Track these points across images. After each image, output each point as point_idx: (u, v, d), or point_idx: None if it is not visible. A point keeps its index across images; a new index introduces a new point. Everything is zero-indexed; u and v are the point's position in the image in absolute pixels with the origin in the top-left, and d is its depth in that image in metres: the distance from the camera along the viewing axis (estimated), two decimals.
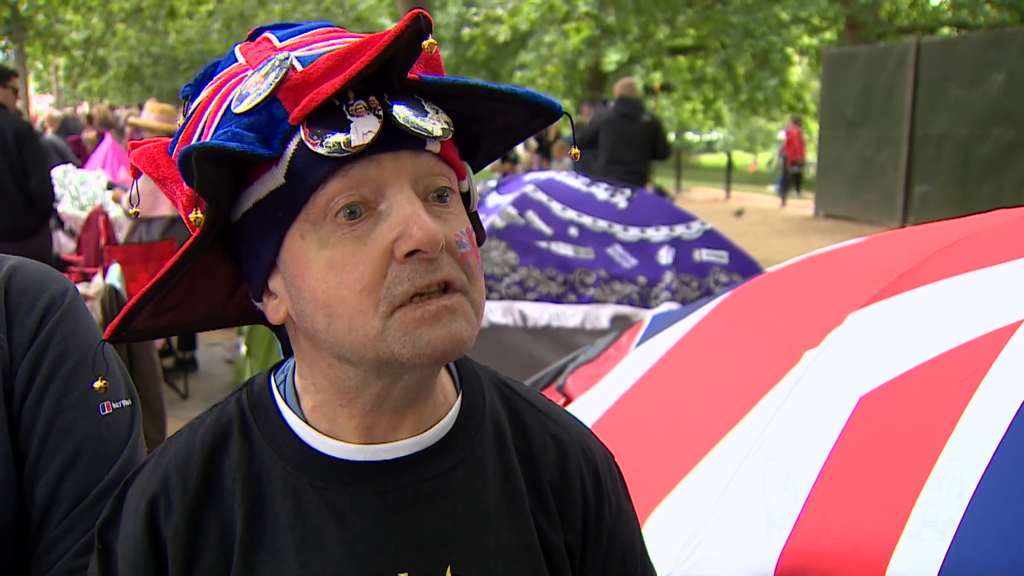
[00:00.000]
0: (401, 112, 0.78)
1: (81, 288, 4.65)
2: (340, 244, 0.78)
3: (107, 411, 1.09)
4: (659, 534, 1.51)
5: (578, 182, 4.49)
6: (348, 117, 0.77)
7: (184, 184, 0.82)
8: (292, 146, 0.77)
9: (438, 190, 0.81)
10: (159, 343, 5.99)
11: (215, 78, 0.85)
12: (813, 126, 23.58)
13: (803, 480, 1.32)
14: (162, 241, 6.05)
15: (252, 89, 0.78)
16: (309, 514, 0.86)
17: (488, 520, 0.89)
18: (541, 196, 4.21)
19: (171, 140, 0.87)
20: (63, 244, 7.32)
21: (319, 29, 0.86)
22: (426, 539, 0.87)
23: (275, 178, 0.78)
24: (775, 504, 1.33)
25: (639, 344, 2.27)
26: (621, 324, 3.70)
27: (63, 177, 7.28)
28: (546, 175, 4.56)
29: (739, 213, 12.77)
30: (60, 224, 7.38)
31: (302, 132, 0.77)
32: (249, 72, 0.81)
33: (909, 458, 1.23)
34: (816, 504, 1.28)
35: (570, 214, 4.18)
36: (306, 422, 0.88)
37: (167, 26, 27.93)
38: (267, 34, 0.87)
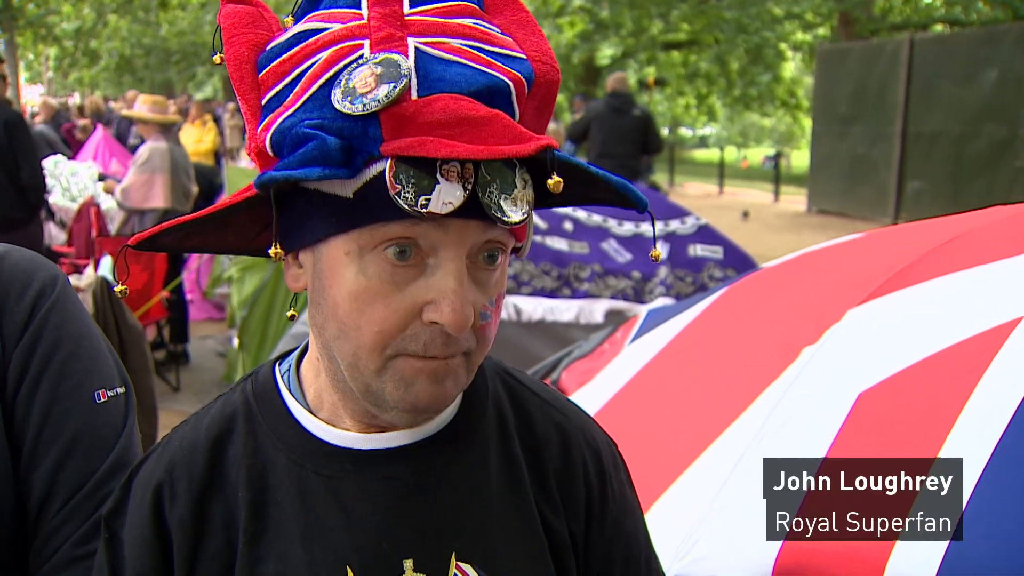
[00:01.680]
0: (488, 190, 0.74)
1: (72, 280, 4.62)
2: (378, 280, 0.77)
3: (102, 399, 1.08)
4: (657, 531, 1.49)
5: None
6: (437, 176, 0.72)
7: (257, 101, 0.80)
8: (372, 172, 0.74)
9: (491, 251, 0.80)
10: (151, 336, 5.97)
11: (330, 11, 0.80)
12: (806, 122, 23.64)
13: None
14: None
15: (360, 88, 0.73)
16: (313, 502, 0.86)
17: (491, 507, 0.90)
18: None
19: (265, 36, 0.82)
20: (54, 235, 7.29)
21: (454, 4, 0.80)
22: (430, 526, 0.87)
23: (344, 189, 0.76)
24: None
25: (634, 339, 2.27)
26: (615, 319, 3.69)
27: (54, 168, 7.23)
28: None
29: (745, 215, 12.83)
30: (51, 215, 7.35)
31: (387, 169, 0.73)
32: (365, 45, 0.76)
33: (908, 455, 1.22)
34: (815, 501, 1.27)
35: (564, 208, 4.16)
36: (310, 411, 0.89)
37: (159, 17, 27.82)
38: None
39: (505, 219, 0.75)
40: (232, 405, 0.92)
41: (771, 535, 1.28)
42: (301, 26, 0.80)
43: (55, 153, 8.09)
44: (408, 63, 0.75)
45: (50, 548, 1.04)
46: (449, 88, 0.74)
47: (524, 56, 0.82)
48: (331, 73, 0.76)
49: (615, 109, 8.38)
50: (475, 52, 0.78)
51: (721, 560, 1.33)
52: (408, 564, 0.86)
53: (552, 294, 3.90)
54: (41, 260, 1.12)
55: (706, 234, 4.26)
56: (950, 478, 1.16)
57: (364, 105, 0.73)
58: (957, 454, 1.18)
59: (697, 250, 4.15)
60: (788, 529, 1.27)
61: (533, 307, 3.82)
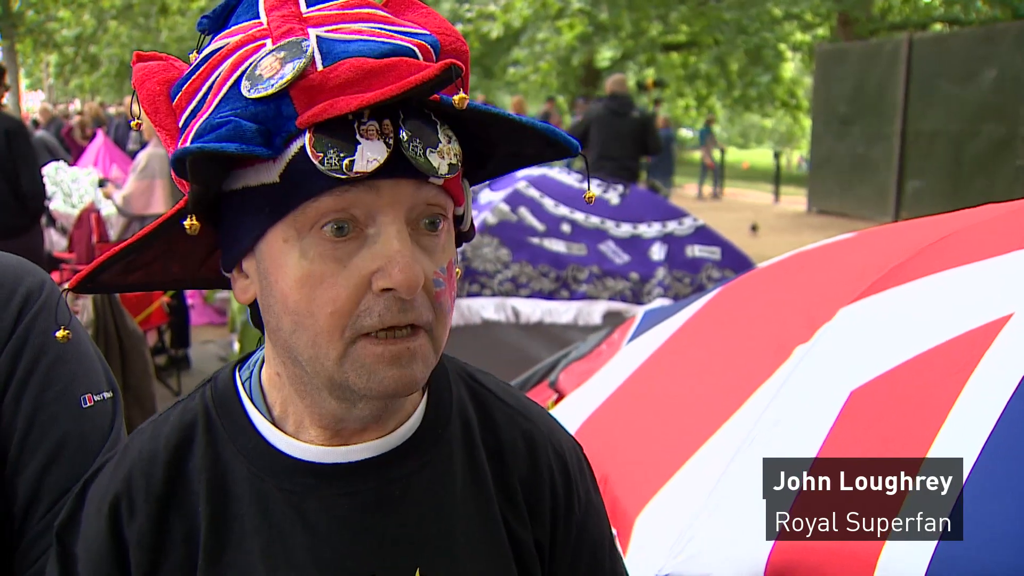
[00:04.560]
0: (411, 143, 0.74)
1: None
2: (320, 260, 0.76)
3: (88, 404, 1.08)
4: (651, 530, 1.51)
5: (570, 178, 4.49)
6: (356, 137, 0.73)
7: (174, 125, 0.81)
8: (293, 149, 0.74)
9: (431, 217, 0.79)
10: (152, 341, 5.98)
11: (232, 28, 0.81)
12: (806, 122, 23.64)
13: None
14: None
15: (266, 73, 0.74)
16: (275, 517, 0.84)
17: (456, 520, 0.88)
18: (533, 192, 4.21)
19: (176, 75, 0.84)
20: (55, 242, 7.29)
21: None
22: (394, 541, 0.85)
23: (269, 175, 0.76)
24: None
25: (631, 340, 2.28)
26: (613, 320, 3.70)
27: (55, 174, 7.24)
28: (538, 171, 4.56)
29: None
30: (52, 222, 7.35)
31: (307, 140, 0.73)
32: (267, 43, 0.77)
33: (899, 453, 1.23)
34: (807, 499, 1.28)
35: (562, 210, 4.17)
36: (272, 422, 0.87)
37: (159, 23, 27.86)
38: None
39: (433, 171, 0.76)
40: (192, 412, 0.89)
41: (764, 533, 1.28)
42: (207, 50, 0.81)
43: (56, 159, 8.11)
44: (310, 41, 0.76)
45: (35, 553, 1.04)
46: (353, 56, 0.75)
47: (427, 31, 0.82)
48: (239, 72, 0.76)
49: (614, 111, 8.40)
50: (376, 30, 0.79)
51: (715, 558, 1.34)
52: None
53: (550, 296, 3.91)
54: (28, 266, 1.12)
55: (704, 235, 4.27)
56: (940, 476, 1.16)
57: (271, 82, 0.74)
58: (947, 451, 1.18)
59: (695, 251, 4.16)
60: (781, 528, 1.27)
61: (531, 309, 3.83)
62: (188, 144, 0.76)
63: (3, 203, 5.20)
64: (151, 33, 27.70)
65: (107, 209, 6.88)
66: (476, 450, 0.92)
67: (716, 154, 20.74)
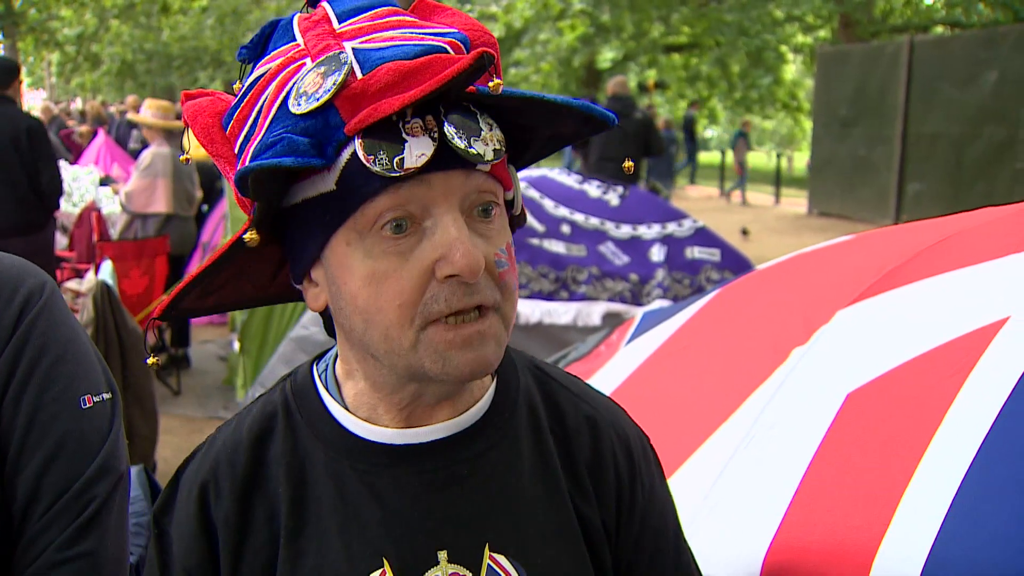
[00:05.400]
0: (455, 135, 0.78)
1: (73, 284, 4.64)
2: (383, 257, 0.80)
3: (88, 404, 1.09)
4: None
5: (570, 179, 4.49)
6: (403, 136, 0.77)
7: (230, 152, 0.85)
8: (346, 156, 0.78)
9: (484, 204, 0.83)
10: (151, 340, 5.97)
11: (272, 54, 0.85)
12: (807, 124, 23.63)
13: (790, 476, 1.33)
14: (156, 238, 6.04)
15: (310, 89, 0.79)
16: (350, 496, 0.89)
17: (524, 499, 0.92)
18: (533, 193, 4.21)
19: (225, 106, 0.88)
20: (56, 240, 7.30)
21: (379, 9, 0.86)
22: (463, 518, 0.90)
23: (326, 183, 0.80)
24: (763, 500, 1.34)
25: (629, 341, 2.28)
26: (613, 321, 3.70)
27: None
28: (538, 172, 4.56)
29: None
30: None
31: (357, 145, 0.77)
32: (307, 62, 0.81)
33: (895, 454, 1.24)
34: (803, 500, 1.28)
35: (562, 211, 4.18)
36: (346, 409, 0.92)
37: (160, 22, 27.89)
38: (325, 6, 0.86)
39: (480, 158, 0.79)
40: (273, 404, 0.95)
41: (761, 533, 1.29)
42: (251, 77, 0.86)
43: (57, 158, 8.11)
44: (347, 54, 0.80)
45: (34, 551, 1.05)
46: (389, 61, 0.79)
47: (455, 29, 0.86)
48: (284, 92, 0.81)
49: (616, 112, 8.39)
50: (407, 34, 0.83)
51: (712, 558, 1.34)
52: (443, 555, 0.88)
53: (550, 297, 3.91)
54: (30, 267, 1.13)
55: (703, 236, 4.27)
56: (936, 477, 1.17)
57: (317, 95, 0.78)
58: (943, 453, 1.19)
59: (694, 252, 4.16)
60: (777, 527, 1.28)
61: (531, 310, 3.84)
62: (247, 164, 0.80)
63: (24, 200, 5.26)
64: (153, 32, 27.72)
65: (108, 208, 6.88)
66: (543, 434, 0.95)
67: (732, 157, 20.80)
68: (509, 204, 0.91)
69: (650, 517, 1.00)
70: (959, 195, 12.30)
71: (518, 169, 0.93)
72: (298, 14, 0.88)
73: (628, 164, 0.96)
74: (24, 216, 5.27)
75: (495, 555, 0.89)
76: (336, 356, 0.95)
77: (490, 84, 0.79)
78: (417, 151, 0.77)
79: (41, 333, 1.08)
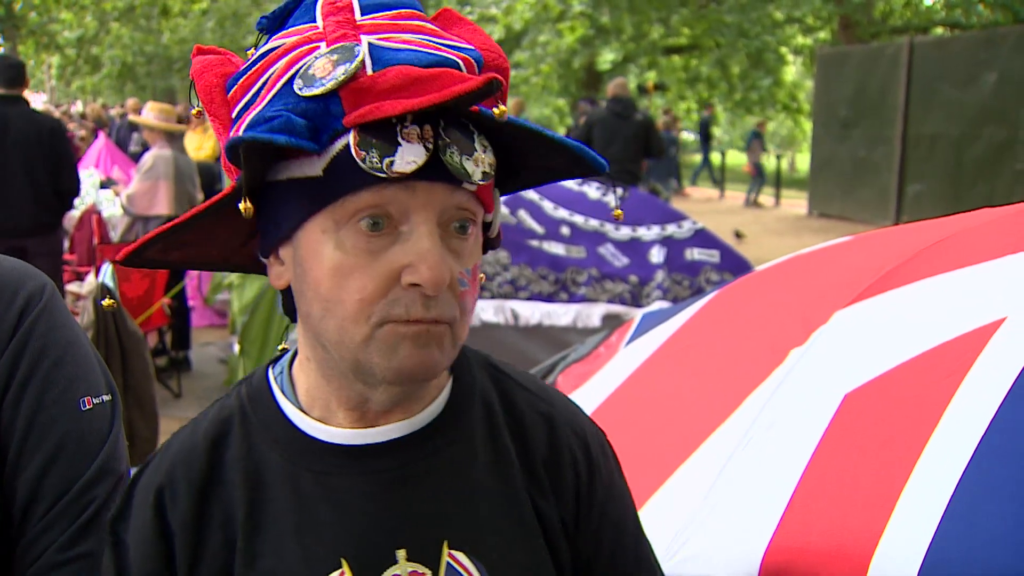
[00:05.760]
0: (449, 149, 0.79)
1: (74, 287, 4.66)
2: (354, 253, 0.81)
3: (87, 406, 1.10)
4: (647, 530, 1.51)
5: (569, 181, 4.49)
6: (398, 139, 0.78)
7: (227, 115, 0.86)
8: (338, 146, 0.79)
9: (462, 221, 0.84)
10: (153, 342, 5.98)
11: (289, 30, 0.86)
12: (807, 125, 23.64)
13: (788, 477, 1.33)
14: None
15: (319, 73, 0.79)
16: (306, 497, 0.89)
17: (481, 496, 0.92)
18: (532, 195, 4.21)
19: (233, 69, 0.89)
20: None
21: (403, 10, 0.86)
22: (421, 516, 0.90)
23: (313, 168, 0.80)
24: (761, 501, 1.34)
25: (629, 342, 2.28)
26: (612, 323, 3.70)
27: None
28: None
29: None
30: None
31: (352, 139, 0.78)
32: (322, 46, 0.82)
33: (892, 455, 1.24)
34: (801, 501, 1.29)
35: (562, 213, 4.18)
36: (302, 410, 0.92)
37: (161, 25, 27.88)
38: None
39: (468, 177, 0.80)
40: (228, 409, 0.95)
41: (759, 534, 1.29)
42: (264, 48, 0.86)
43: None
44: (362, 47, 0.80)
45: (34, 553, 1.05)
46: (402, 64, 0.80)
47: (472, 46, 0.87)
48: (293, 71, 0.81)
49: (617, 114, 8.42)
50: (424, 41, 0.83)
51: (710, 559, 1.35)
52: (401, 554, 0.89)
53: (549, 298, 3.92)
54: (30, 269, 1.14)
55: (703, 238, 4.27)
56: (933, 478, 1.17)
57: (323, 82, 0.78)
58: (941, 453, 1.19)
59: (694, 254, 4.17)
60: (775, 528, 1.28)
61: (531, 311, 3.84)
62: (241, 134, 0.81)
63: (46, 200, 5.32)
64: (153, 35, 27.72)
65: (108, 210, 6.89)
66: (499, 430, 0.96)
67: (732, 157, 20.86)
68: (487, 226, 0.92)
69: (609, 511, 1.00)
70: (959, 196, 12.30)
71: (504, 194, 0.94)
72: None
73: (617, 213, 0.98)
74: (42, 217, 5.33)
75: (454, 552, 0.90)
76: (292, 357, 0.96)
77: (495, 110, 0.80)
78: (409, 157, 0.78)
79: (41, 335, 1.08)
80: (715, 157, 21.78)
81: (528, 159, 0.90)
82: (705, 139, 21.93)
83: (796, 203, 17.91)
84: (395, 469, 0.90)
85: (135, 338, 4.14)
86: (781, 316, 1.77)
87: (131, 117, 8.67)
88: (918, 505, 1.16)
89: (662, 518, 1.51)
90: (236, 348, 5.44)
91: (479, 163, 0.81)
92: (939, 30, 20.17)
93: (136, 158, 8.91)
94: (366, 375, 0.85)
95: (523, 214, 4.10)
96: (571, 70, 22.10)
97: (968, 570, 1.08)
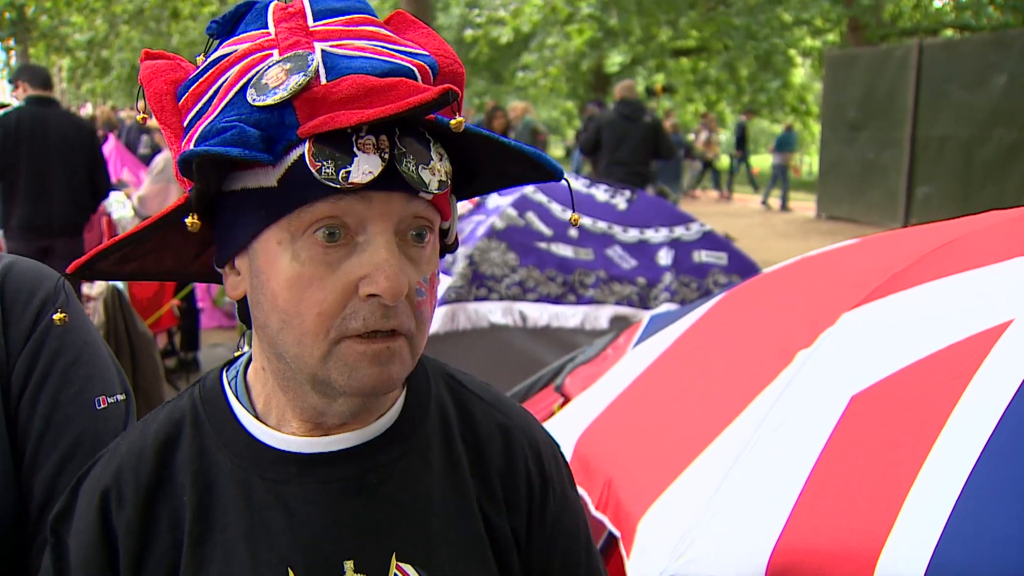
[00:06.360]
0: (405, 159, 0.79)
1: (84, 289, 4.68)
2: (311, 264, 0.80)
3: (103, 405, 1.11)
4: (654, 532, 1.52)
5: (578, 183, 4.50)
6: (354, 149, 0.77)
7: (179, 123, 0.85)
8: (293, 157, 0.78)
9: (419, 229, 0.83)
10: (162, 344, 6.01)
11: (240, 36, 0.85)
12: (815, 128, 23.59)
13: (795, 479, 1.33)
14: None
15: (272, 83, 0.78)
16: (257, 505, 0.88)
17: (433, 507, 0.92)
18: (541, 197, 4.22)
19: (183, 75, 0.87)
20: None
21: (356, 16, 0.85)
22: (371, 527, 0.89)
23: (268, 179, 0.80)
24: (767, 503, 1.34)
25: (636, 344, 2.29)
26: (620, 325, 3.71)
27: None
28: None
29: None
30: None
31: (306, 149, 0.77)
32: (274, 54, 0.81)
33: (899, 457, 1.24)
34: (807, 503, 1.29)
35: (570, 215, 4.18)
36: (256, 416, 0.91)
37: (170, 28, 27.96)
38: (304, 0, 0.85)
39: (424, 186, 0.80)
40: (180, 411, 0.93)
41: (765, 535, 1.30)
42: (215, 54, 0.85)
43: None
44: (315, 55, 0.80)
45: None
46: (356, 72, 0.79)
47: (426, 52, 0.86)
48: (245, 79, 0.80)
49: (625, 116, 8.41)
50: (379, 48, 0.83)
51: (717, 560, 1.35)
52: (348, 565, 0.88)
53: (557, 300, 3.92)
54: (47, 271, 1.15)
55: (711, 240, 4.27)
56: (939, 479, 1.17)
57: (276, 91, 0.77)
58: (947, 455, 1.19)
59: (702, 256, 4.17)
60: (782, 529, 1.29)
61: (539, 313, 3.85)
62: (193, 145, 0.80)
63: (80, 200, 5.40)
64: (162, 37, 27.80)
65: (118, 213, 6.92)
66: (454, 442, 0.95)
67: (750, 159, 20.87)
68: (444, 232, 0.91)
69: (562, 523, 1.00)
70: (968, 198, 12.26)
71: (460, 199, 0.94)
72: (275, 1, 0.87)
73: (574, 218, 0.97)
74: (74, 216, 5.39)
75: (402, 564, 0.89)
76: (247, 360, 0.95)
77: (452, 122, 0.79)
78: (365, 167, 0.77)
79: (57, 335, 1.09)
80: (724, 160, 21.75)
81: (485, 165, 0.89)
82: (740, 144, 21.86)
83: (804, 205, 17.87)
84: (347, 479, 0.89)
85: (145, 339, 4.16)
86: (788, 318, 1.77)
87: (142, 118, 8.72)
88: (924, 506, 1.16)
89: (669, 519, 1.51)
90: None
91: (435, 172, 0.81)
92: (948, 32, 20.11)
93: (146, 160, 8.95)
94: (325, 387, 0.84)
95: (531, 216, 4.11)
96: (579, 72, 22.13)
97: (974, 571, 1.08)
